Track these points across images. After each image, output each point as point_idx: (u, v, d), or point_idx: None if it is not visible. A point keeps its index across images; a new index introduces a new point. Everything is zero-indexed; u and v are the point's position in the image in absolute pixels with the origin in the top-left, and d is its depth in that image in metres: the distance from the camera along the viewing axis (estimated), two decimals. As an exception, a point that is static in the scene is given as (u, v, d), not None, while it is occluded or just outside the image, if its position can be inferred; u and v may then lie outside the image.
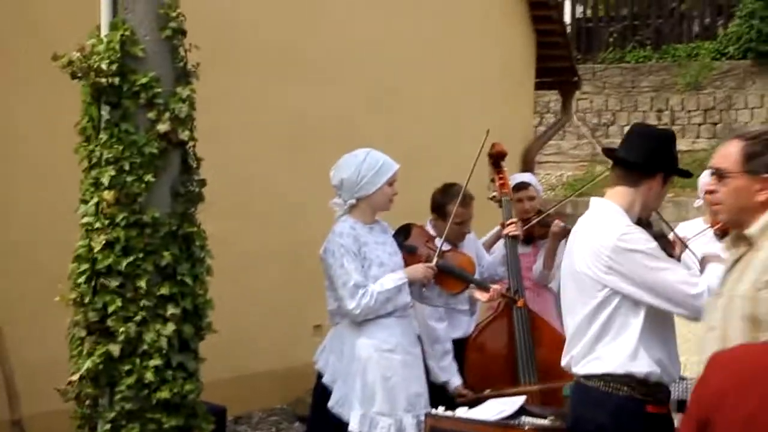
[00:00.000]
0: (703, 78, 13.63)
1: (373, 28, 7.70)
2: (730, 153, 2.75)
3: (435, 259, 4.45)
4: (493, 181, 5.31)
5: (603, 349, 3.19)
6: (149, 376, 3.49)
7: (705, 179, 6.05)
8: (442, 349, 4.97)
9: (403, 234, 4.61)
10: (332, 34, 7.32)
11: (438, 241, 4.66)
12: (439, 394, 4.70)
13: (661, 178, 3.28)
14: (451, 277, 4.55)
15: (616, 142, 14.28)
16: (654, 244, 3.14)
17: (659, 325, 3.20)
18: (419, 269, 4.39)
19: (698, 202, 6.10)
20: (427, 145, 7.96)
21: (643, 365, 3.15)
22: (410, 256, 4.52)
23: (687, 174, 3.43)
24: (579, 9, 15.46)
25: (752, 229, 2.69)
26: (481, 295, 4.63)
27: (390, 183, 4.35)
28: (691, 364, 5.79)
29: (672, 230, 4.36)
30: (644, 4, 15.04)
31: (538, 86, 10.41)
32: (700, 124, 13.65)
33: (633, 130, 3.47)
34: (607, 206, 3.29)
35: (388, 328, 4.29)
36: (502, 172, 5.26)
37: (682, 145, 13.50)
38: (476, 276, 4.82)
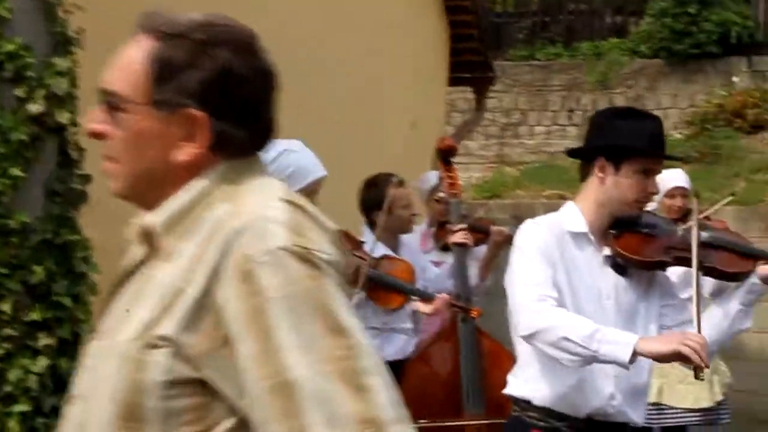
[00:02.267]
0: (613, 77, 13.48)
1: (278, 20, 7.10)
2: (131, 62, 1.48)
3: (365, 272, 3.85)
4: (441, 180, 4.80)
5: (516, 365, 3.04)
6: (13, 425, 2.85)
7: (668, 178, 5.72)
8: None
9: None
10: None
11: (368, 247, 4.08)
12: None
13: (606, 163, 2.88)
14: (388, 290, 3.95)
15: (525, 143, 14.25)
16: (537, 244, 2.84)
17: None
18: None
19: (654, 206, 5.72)
20: (335, 144, 7.37)
21: (539, 391, 2.90)
22: None
23: (647, 151, 2.93)
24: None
25: (153, 219, 1.47)
26: (425, 308, 4.01)
27: (308, 193, 3.66)
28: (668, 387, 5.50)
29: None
30: None
31: (451, 82, 9.97)
32: (612, 125, 13.40)
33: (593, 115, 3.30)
34: (566, 207, 3.04)
35: None
36: (452, 170, 4.74)
37: (593, 146, 13.29)
38: (418, 286, 4.24)
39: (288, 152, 3.62)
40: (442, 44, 9.49)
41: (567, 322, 2.72)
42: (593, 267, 2.93)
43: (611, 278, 2.95)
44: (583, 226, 2.93)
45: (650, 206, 5.73)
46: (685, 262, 3.06)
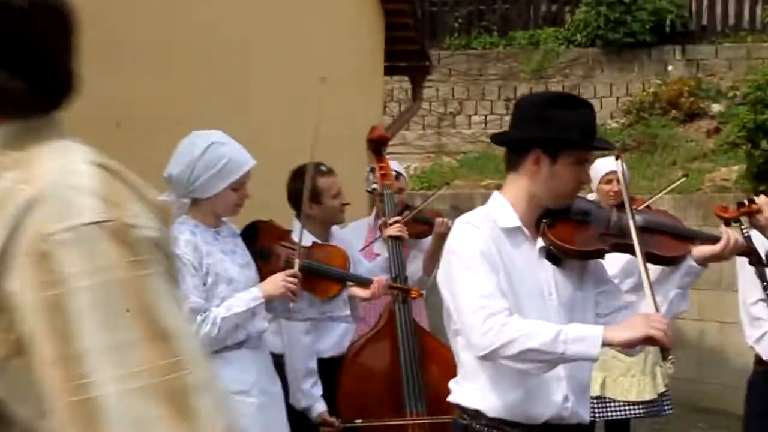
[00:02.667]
0: (548, 66, 13.41)
1: (209, 7, 6.87)
2: None
3: (297, 261, 3.65)
4: (372, 171, 4.61)
5: (459, 374, 2.86)
6: None
7: (601, 166, 5.63)
8: (305, 369, 4.20)
9: (248, 236, 3.77)
10: (164, 14, 6.43)
11: (296, 235, 3.87)
12: (299, 422, 3.99)
13: (542, 155, 2.72)
14: (322, 279, 3.74)
15: (463, 132, 14.11)
16: (478, 249, 2.66)
17: None
18: (278, 281, 3.55)
19: (592, 195, 5.63)
20: (267, 132, 7.17)
21: (489, 403, 2.73)
22: (264, 263, 3.70)
23: (583, 144, 2.77)
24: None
25: None
26: (362, 292, 3.81)
27: (235, 188, 3.51)
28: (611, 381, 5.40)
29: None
30: (489, -12, 14.72)
31: (387, 71, 9.79)
32: (548, 114, 13.36)
33: (517, 101, 3.08)
34: (493, 200, 2.85)
35: (238, 363, 3.46)
36: (384, 161, 4.57)
37: (531, 135, 13.25)
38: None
39: (217, 144, 3.47)
40: (378, 33, 9.31)
41: (525, 332, 2.55)
42: (531, 263, 2.77)
43: (549, 272, 2.80)
44: (515, 220, 2.76)
45: (591, 196, 5.75)
46: (623, 248, 2.93)
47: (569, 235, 2.80)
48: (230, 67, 7.01)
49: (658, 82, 12.51)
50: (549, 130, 2.71)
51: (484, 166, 12.28)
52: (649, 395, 5.26)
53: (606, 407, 5.24)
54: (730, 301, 8.25)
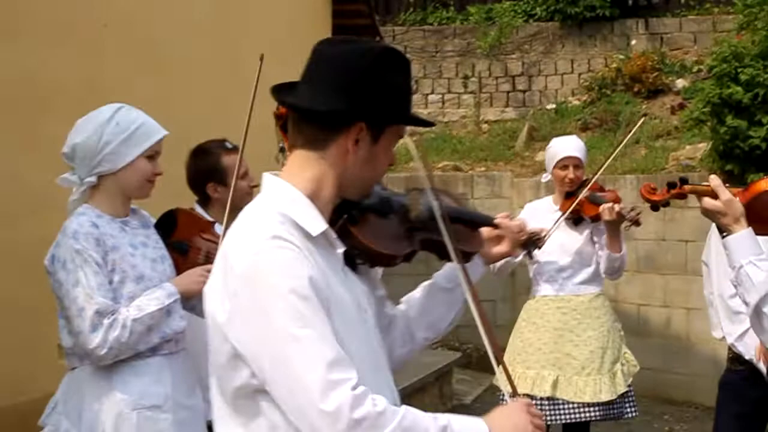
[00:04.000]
0: (506, 41, 13.06)
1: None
2: None
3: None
4: (282, 150, 4.14)
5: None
6: None
7: (558, 148, 5.27)
8: None
9: (165, 226, 3.40)
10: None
11: (219, 228, 3.48)
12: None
13: (366, 130, 2.03)
14: None
15: (419, 112, 13.67)
16: (306, 285, 1.89)
17: None
18: (195, 275, 3.18)
19: (546, 176, 5.29)
20: (205, 114, 6.76)
21: None
22: (182, 258, 3.33)
23: (418, 121, 2.20)
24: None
25: None
26: None
27: (150, 156, 3.16)
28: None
29: (440, 210, 2.35)
30: (445, -39, 14.33)
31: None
32: (508, 92, 13.07)
33: (314, 50, 2.12)
34: (275, 189, 2.07)
35: (150, 373, 3.11)
36: None
37: (490, 114, 12.93)
38: None
39: (126, 109, 3.15)
40: (324, 6, 8.89)
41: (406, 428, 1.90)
42: (339, 274, 2.09)
43: (357, 285, 2.16)
44: (321, 223, 2.04)
45: (545, 178, 5.39)
46: (432, 247, 2.34)
47: (376, 233, 2.20)
48: (172, 45, 6.64)
49: (621, 57, 12.24)
50: (380, 99, 2.04)
51: (440, 147, 11.95)
52: (606, 396, 4.90)
53: (558, 410, 4.88)
54: (696, 287, 8.07)
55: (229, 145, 3.81)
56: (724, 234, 2.84)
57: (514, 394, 2.25)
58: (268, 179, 2.10)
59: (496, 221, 2.53)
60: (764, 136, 8.05)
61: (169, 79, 6.62)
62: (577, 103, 12.30)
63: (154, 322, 3.06)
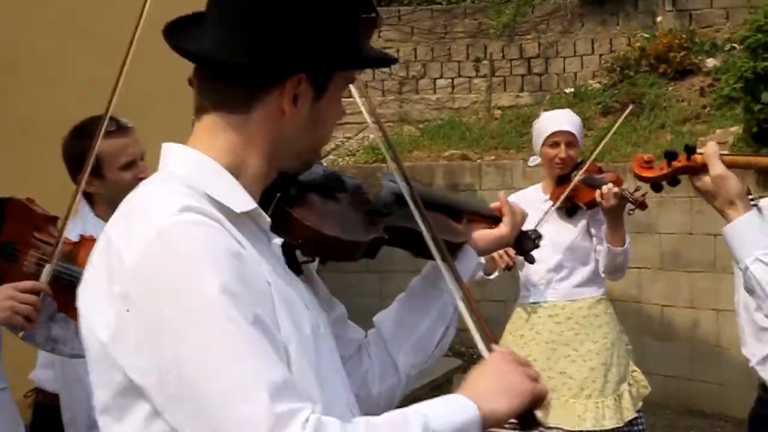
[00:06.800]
0: (521, 20, 12.40)
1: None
2: None
3: (50, 266, 2.54)
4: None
5: None
6: None
7: (546, 123, 4.53)
8: (87, 419, 3.06)
9: None
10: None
11: (78, 225, 2.75)
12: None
13: (306, 82, 1.51)
14: None
15: (427, 98, 13.07)
16: (237, 277, 1.35)
17: None
18: (5, 296, 2.47)
19: (534, 159, 4.52)
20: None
21: None
22: (8, 265, 2.62)
23: (377, 60, 1.69)
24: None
25: None
26: None
27: None
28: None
29: (410, 193, 1.89)
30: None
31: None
32: (523, 75, 12.41)
33: None
34: (180, 159, 1.52)
35: None
36: None
37: (503, 100, 12.26)
38: None
39: None
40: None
41: None
42: (278, 267, 1.55)
43: (301, 284, 1.62)
44: (248, 199, 1.51)
45: (533, 161, 4.64)
46: (403, 237, 1.81)
47: (326, 215, 1.66)
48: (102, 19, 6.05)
49: (646, 35, 11.60)
50: (324, 36, 1.51)
51: (448, 134, 11.39)
52: (610, 423, 4.09)
53: None
54: (726, 286, 7.38)
55: (112, 126, 2.98)
56: None
57: (491, 341, 1.70)
58: (169, 149, 1.54)
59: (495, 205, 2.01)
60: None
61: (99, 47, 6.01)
62: (597, 86, 11.70)
63: None
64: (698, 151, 2.28)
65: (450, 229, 1.88)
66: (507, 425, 1.56)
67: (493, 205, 2.03)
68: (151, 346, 1.33)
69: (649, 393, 4.39)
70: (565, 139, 4.28)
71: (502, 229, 1.96)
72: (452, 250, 1.81)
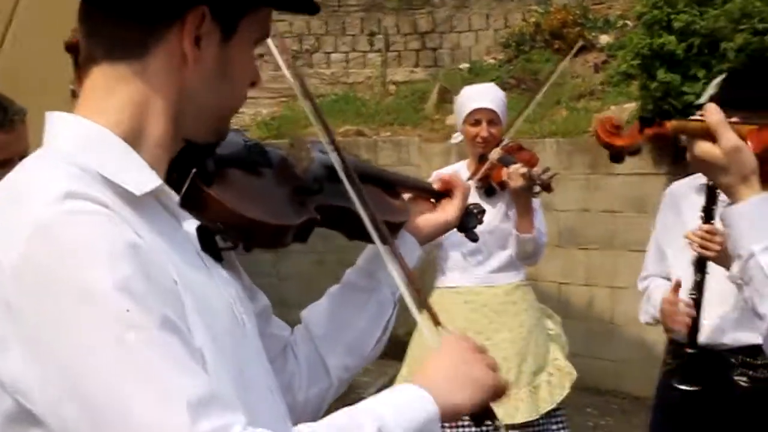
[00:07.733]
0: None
1: None
2: None
3: None
4: (74, 95, 3.12)
5: None
6: None
7: (471, 97, 4.37)
8: None
9: None
10: None
11: None
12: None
13: (210, 20, 1.30)
14: None
15: (321, 72, 12.84)
16: (133, 266, 1.13)
17: None
18: None
19: (457, 137, 4.38)
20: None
21: None
22: None
23: (291, 2, 1.45)
24: None
25: None
26: None
27: None
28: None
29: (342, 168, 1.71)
30: None
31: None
32: (417, 50, 12.28)
33: None
34: (65, 130, 1.29)
35: None
36: None
37: (398, 75, 12.13)
38: None
39: None
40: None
41: None
42: (190, 256, 1.33)
43: (225, 281, 1.40)
44: (151, 176, 1.29)
45: (456, 138, 4.49)
46: (337, 217, 1.62)
47: (249, 195, 1.44)
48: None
49: (540, 11, 11.60)
50: None
51: (343, 110, 11.19)
52: (523, 416, 3.96)
53: None
54: (623, 263, 7.39)
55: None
56: (730, 202, 1.82)
57: (436, 323, 1.57)
58: (53, 119, 1.30)
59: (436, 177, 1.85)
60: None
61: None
62: (492, 61, 11.65)
63: None
64: (697, 114, 1.88)
65: (389, 207, 1.69)
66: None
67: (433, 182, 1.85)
68: (42, 360, 1.12)
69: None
70: (487, 116, 4.13)
71: (449, 211, 1.77)
72: (392, 230, 1.62)
